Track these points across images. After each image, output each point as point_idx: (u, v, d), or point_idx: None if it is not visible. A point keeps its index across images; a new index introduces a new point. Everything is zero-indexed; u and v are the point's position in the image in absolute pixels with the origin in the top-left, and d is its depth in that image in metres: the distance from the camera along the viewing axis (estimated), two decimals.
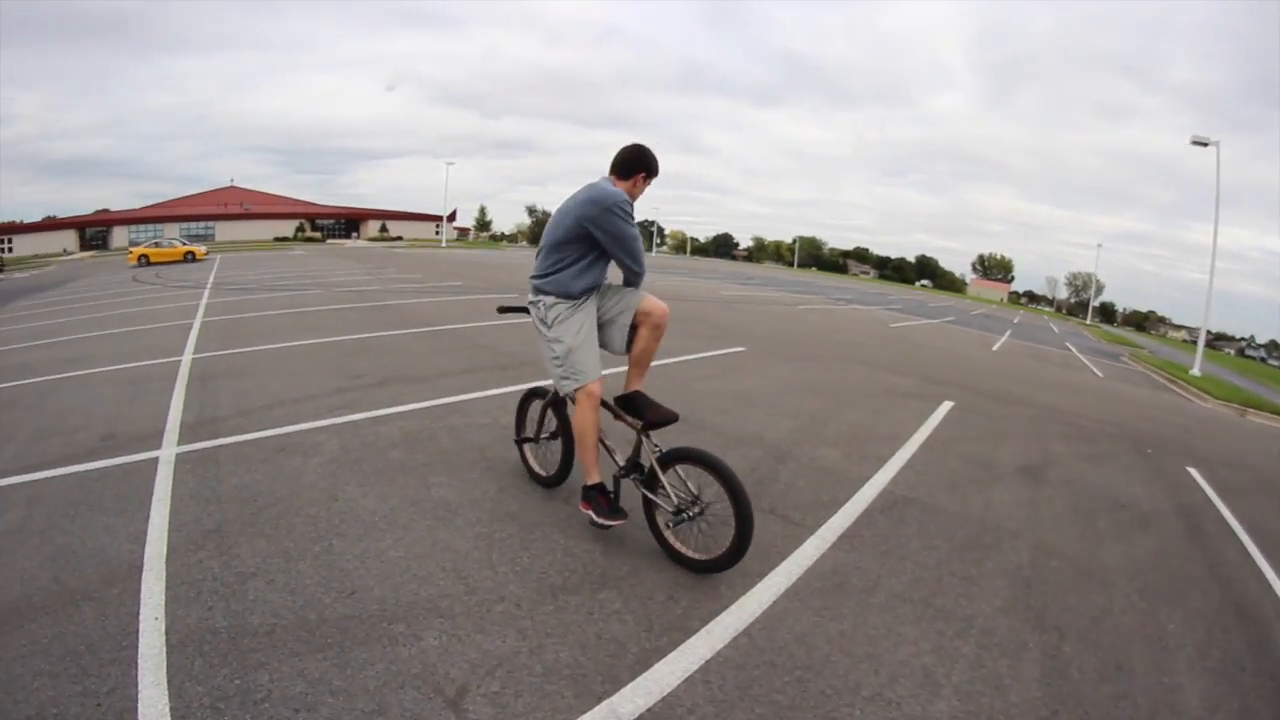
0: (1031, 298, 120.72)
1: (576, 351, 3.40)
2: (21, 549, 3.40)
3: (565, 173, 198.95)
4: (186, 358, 8.33)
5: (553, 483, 4.20)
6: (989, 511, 4.73)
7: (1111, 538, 4.63)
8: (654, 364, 7.39)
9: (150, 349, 9.16)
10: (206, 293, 17.41)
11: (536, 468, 4.34)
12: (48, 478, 4.40)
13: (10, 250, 59.93)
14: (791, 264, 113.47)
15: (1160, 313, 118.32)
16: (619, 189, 3.37)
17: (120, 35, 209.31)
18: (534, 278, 3.56)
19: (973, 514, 4.64)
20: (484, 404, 6.14)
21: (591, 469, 3.49)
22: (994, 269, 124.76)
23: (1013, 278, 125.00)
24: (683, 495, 3.29)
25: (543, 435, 4.23)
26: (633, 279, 3.62)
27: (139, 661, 2.54)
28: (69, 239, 65.43)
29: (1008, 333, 28.31)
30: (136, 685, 2.42)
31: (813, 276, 72.09)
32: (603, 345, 3.57)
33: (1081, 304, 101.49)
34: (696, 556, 3.31)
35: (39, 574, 3.15)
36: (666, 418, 3.42)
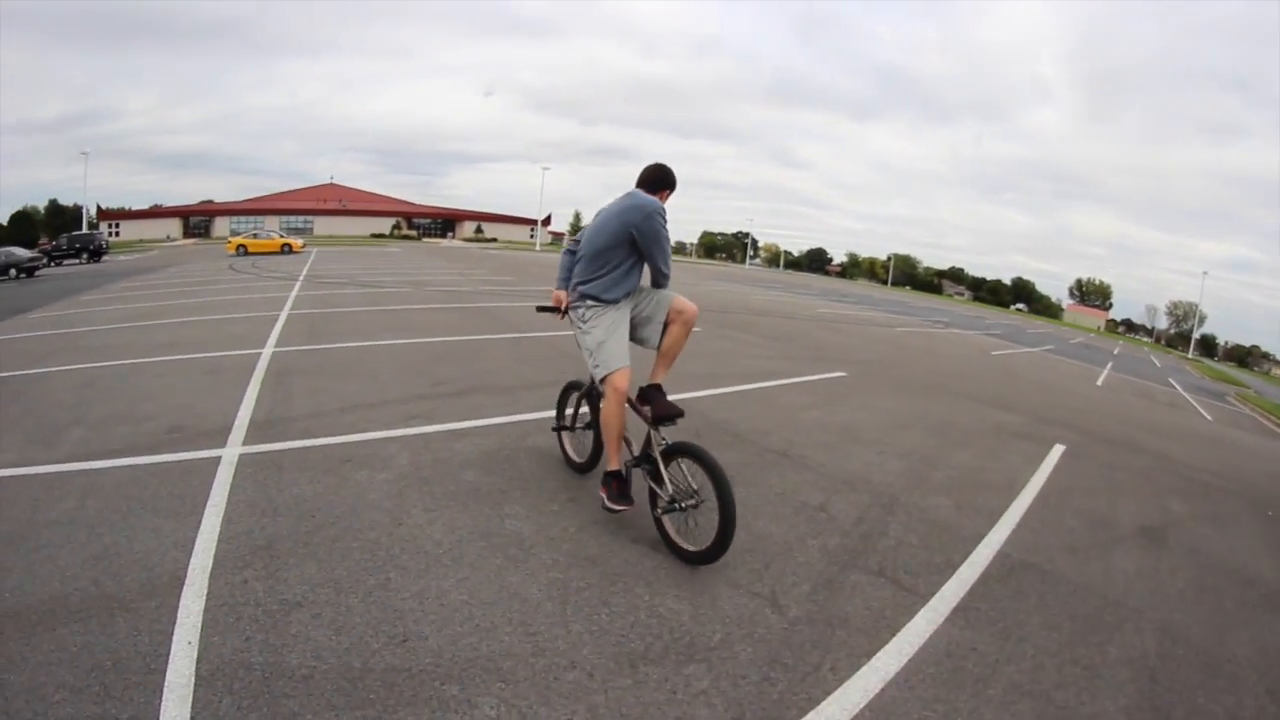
0: (1129, 326, 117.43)
1: (607, 343, 3.88)
2: (67, 544, 3.40)
3: None
4: (267, 351, 8.59)
5: (584, 469, 4.74)
6: (1111, 583, 4.23)
7: (1240, 621, 4.05)
8: (756, 386, 7.13)
9: (234, 339, 9.59)
10: (298, 285, 18.24)
11: (571, 454, 4.90)
12: (108, 468, 4.50)
13: (117, 234, 65.85)
14: (885, 282, 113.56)
15: (1264, 348, 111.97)
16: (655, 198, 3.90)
17: (230, 38, 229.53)
18: (579, 284, 4.03)
19: (1094, 585, 4.14)
20: None
21: (613, 456, 3.90)
22: (1091, 295, 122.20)
23: (1110, 304, 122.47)
24: (680, 487, 3.68)
25: (577, 425, 4.86)
26: (661, 280, 4.10)
27: (165, 690, 2.42)
28: (173, 226, 71.43)
29: (1109, 365, 26.53)
30: (158, 717, 2.28)
31: (907, 296, 70.30)
32: (638, 341, 4.11)
33: (1182, 335, 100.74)
34: (687, 547, 3.67)
35: (80, 574, 3.13)
36: (672, 412, 3.84)
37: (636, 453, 3.99)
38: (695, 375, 8.35)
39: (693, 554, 3.61)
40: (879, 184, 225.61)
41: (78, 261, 39.08)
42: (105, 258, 40.41)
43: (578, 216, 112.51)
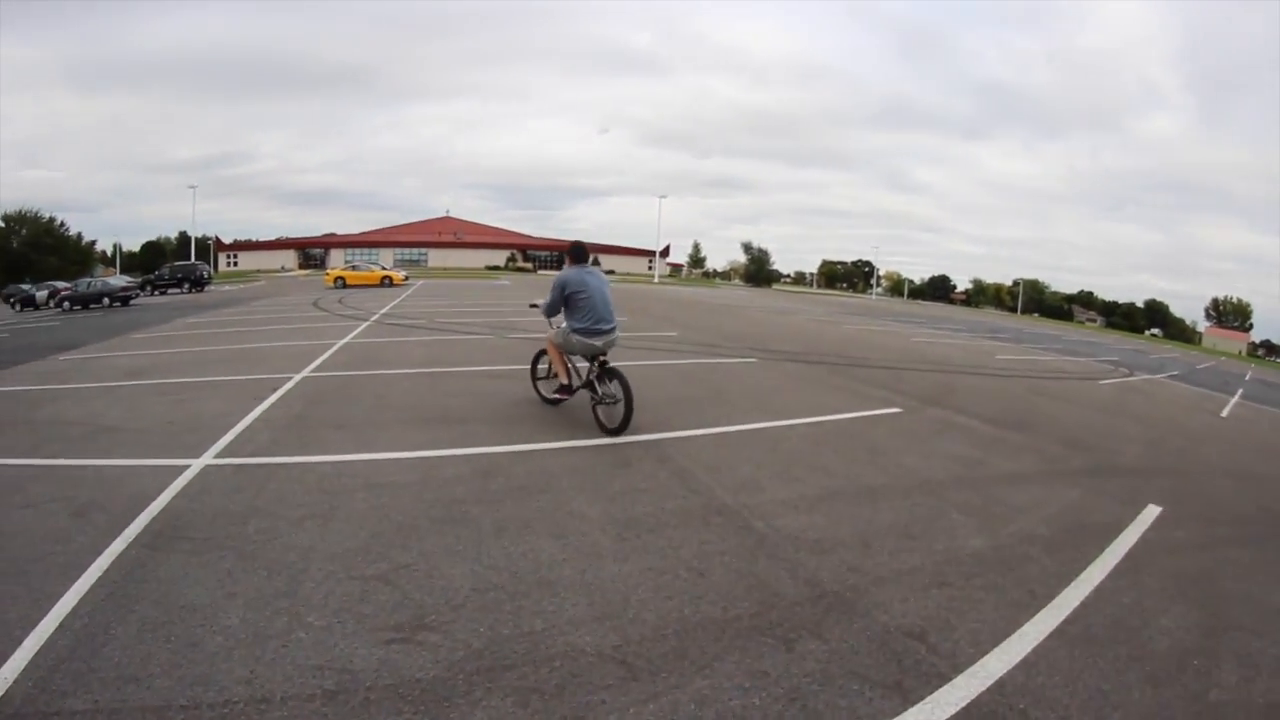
0: (1269, 349, 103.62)
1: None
2: None
3: (777, 211, 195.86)
4: (200, 464, 5.36)
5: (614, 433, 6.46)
6: None
7: None
8: (1077, 600, 4.03)
9: (185, 429, 6.58)
10: (361, 328, 15.31)
11: (604, 421, 6.59)
12: None
13: (235, 264, 68.13)
14: (1014, 309, 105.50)
15: None
16: None
17: (357, 86, 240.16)
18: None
19: None
20: None
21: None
22: (1229, 315, 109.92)
23: (1251, 325, 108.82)
24: (607, 392, 6.51)
25: (607, 400, 6.56)
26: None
27: None
28: (289, 258, 73.21)
29: None
30: None
31: (1046, 326, 62.87)
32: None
33: None
34: (607, 425, 6.46)
35: None
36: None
37: (584, 379, 6.85)
38: (998, 590, 4.21)
39: (609, 430, 6.41)
40: (996, 206, 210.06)
41: (180, 291, 38.82)
42: (209, 288, 40.09)
43: (697, 247, 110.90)
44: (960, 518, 5.00)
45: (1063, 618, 3.59)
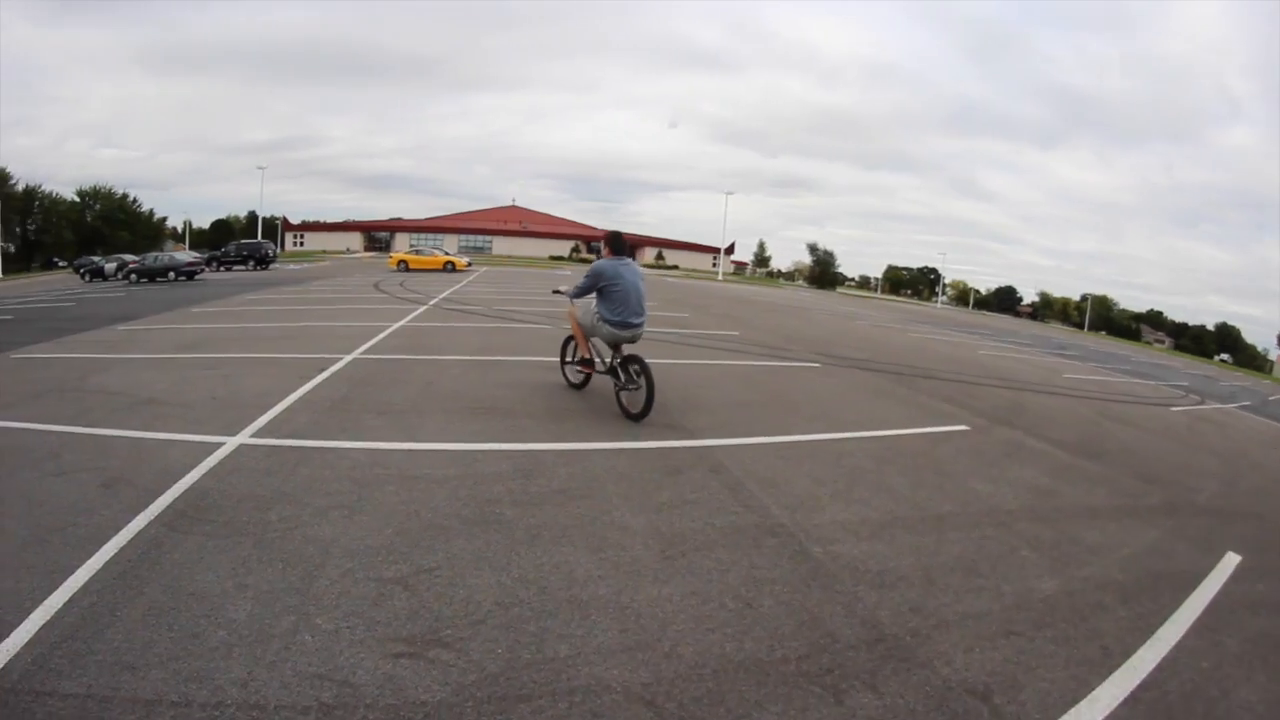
0: None
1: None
2: None
3: (844, 213, 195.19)
4: (233, 443, 5.31)
5: (637, 419, 6.62)
6: None
7: None
8: (1153, 661, 3.66)
9: (227, 405, 6.57)
10: (418, 312, 15.40)
11: (626, 406, 6.85)
12: None
13: (301, 244, 70.43)
14: (1081, 325, 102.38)
15: None
16: None
17: (428, 74, 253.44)
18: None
19: None
20: None
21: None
22: None
23: None
24: (630, 378, 6.71)
25: (630, 386, 6.77)
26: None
27: None
28: (355, 240, 75.30)
29: None
30: None
31: (1113, 344, 60.03)
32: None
33: None
34: (630, 410, 6.67)
35: None
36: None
37: (607, 365, 7.11)
38: (1069, 644, 3.75)
39: (632, 415, 6.62)
40: (1065, 217, 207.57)
41: (245, 268, 39.96)
42: (273, 266, 41.15)
43: (762, 246, 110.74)
44: (1031, 555, 4.60)
45: (1138, 681, 3.21)
